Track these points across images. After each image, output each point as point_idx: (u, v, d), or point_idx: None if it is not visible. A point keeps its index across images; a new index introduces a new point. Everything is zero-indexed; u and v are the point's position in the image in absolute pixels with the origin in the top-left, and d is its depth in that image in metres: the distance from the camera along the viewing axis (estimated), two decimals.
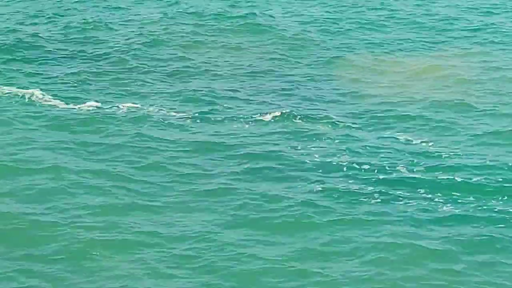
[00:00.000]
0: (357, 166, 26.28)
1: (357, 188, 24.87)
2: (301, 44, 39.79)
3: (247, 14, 46.55)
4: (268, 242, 22.14)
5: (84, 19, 43.10)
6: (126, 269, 20.82)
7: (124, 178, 25.42)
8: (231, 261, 21.08)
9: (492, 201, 24.15)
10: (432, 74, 35.56)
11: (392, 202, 24.10)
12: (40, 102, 31.02)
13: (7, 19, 43.14)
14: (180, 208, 23.85)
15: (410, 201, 24.09)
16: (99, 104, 31.12)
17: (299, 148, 27.75)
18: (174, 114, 30.41)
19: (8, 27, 41.29)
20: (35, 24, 42.59)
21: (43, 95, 31.60)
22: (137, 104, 31.26)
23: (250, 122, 29.89)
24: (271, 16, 46.38)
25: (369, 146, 27.92)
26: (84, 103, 31.18)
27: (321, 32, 42.48)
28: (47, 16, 44.57)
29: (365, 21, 44.39)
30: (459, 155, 27.20)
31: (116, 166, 26.24)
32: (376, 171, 26.02)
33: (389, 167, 26.28)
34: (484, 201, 24.15)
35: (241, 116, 30.45)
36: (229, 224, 22.94)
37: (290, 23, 44.86)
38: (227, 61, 37.31)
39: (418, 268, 20.93)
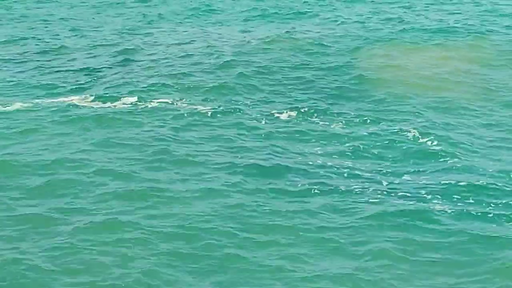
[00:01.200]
0: (362, 165, 26.17)
1: (359, 185, 24.70)
2: (319, 40, 40.70)
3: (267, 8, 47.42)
4: (266, 238, 22.08)
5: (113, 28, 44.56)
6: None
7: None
8: (224, 259, 21.03)
9: (494, 203, 23.74)
10: (446, 68, 35.76)
11: (394, 200, 23.90)
12: (75, 105, 31.90)
13: (35, 29, 44.78)
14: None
15: (410, 201, 23.82)
16: (134, 100, 32.12)
17: (308, 144, 28.02)
18: (200, 108, 31.31)
19: (39, 38, 42.90)
20: (62, 33, 44.15)
21: (79, 99, 32.59)
22: (167, 100, 32.32)
23: (267, 118, 30.46)
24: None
25: (377, 142, 28.01)
26: (118, 100, 32.24)
27: (340, 28, 43.45)
28: (81, 24, 46.24)
29: (377, 14, 45.05)
30: (464, 154, 27.01)
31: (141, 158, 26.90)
32: (381, 166, 26.01)
33: (394, 162, 26.26)
34: (485, 202, 23.82)
35: (259, 111, 31.11)
36: (227, 221, 22.85)
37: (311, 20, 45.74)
38: (247, 56, 38.32)
39: (417, 268, 20.66)
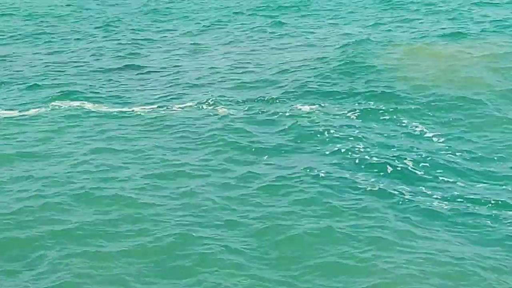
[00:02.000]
0: (368, 157, 26.31)
1: (363, 179, 24.85)
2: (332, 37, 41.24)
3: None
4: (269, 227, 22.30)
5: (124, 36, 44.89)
6: None
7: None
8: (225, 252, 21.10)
9: (494, 203, 23.35)
10: (460, 65, 35.93)
11: (394, 196, 23.90)
12: (92, 110, 32.32)
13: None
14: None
15: (411, 197, 23.82)
16: (154, 106, 32.44)
17: (323, 137, 28.33)
18: (221, 110, 31.74)
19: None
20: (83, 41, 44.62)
21: (94, 104, 32.98)
22: (182, 104, 32.62)
23: (287, 113, 30.91)
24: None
25: (384, 137, 28.19)
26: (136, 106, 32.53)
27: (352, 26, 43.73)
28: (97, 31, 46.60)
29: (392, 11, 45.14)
30: (469, 151, 27.02)
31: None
32: (384, 163, 26.00)
33: (397, 159, 26.24)
34: (486, 201, 23.53)
35: (280, 106, 31.65)
36: (233, 217, 22.99)
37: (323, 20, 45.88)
38: (263, 57, 38.97)
39: (415, 266, 20.47)
